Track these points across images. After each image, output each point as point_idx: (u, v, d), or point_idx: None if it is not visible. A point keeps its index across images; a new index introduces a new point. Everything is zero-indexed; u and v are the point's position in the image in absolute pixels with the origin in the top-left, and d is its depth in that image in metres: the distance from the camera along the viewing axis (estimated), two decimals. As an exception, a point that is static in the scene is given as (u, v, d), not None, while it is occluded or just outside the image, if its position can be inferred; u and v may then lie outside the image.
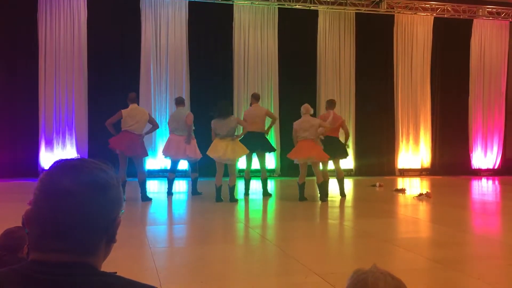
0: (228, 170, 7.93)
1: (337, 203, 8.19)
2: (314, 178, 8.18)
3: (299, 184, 8.17)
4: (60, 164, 1.02)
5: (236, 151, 7.82)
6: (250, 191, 8.74)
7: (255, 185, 9.04)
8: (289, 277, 3.84)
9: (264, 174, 8.66)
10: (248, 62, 12.53)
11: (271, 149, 8.89)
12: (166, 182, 8.69)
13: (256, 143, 8.43)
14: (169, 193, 8.57)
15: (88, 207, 0.98)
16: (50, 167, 1.02)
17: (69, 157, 1.08)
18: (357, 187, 10.94)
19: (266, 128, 8.76)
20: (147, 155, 8.28)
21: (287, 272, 3.99)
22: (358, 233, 5.74)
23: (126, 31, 11.69)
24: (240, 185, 8.89)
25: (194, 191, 8.67)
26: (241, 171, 10.14)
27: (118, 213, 1.05)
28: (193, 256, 4.54)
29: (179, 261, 4.34)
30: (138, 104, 8.83)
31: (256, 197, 8.57)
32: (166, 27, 11.99)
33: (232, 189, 7.91)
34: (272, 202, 8.25)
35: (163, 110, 11.96)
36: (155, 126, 8.24)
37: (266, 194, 8.64)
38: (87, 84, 11.50)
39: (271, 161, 12.52)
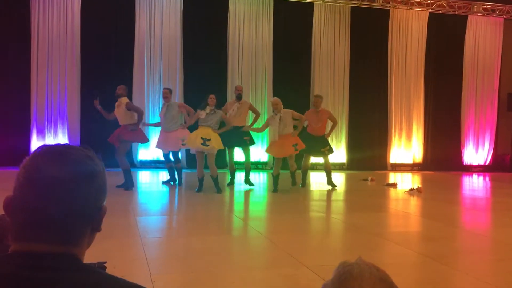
0: (208, 161, 7.87)
1: (328, 197, 8.23)
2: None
3: (275, 175, 8.32)
4: (45, 150, 0.97)
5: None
6: (235, 182, 8.93)
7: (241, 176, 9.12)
8: (279, 269, 3.85)
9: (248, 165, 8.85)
10: (242, 54, 12.49)
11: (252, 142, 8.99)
12: (176, 173, 8.79)
13: (237, 136, 8.59)
14: (180, 183, 8.70)
15: (76, 194, 0.95)
16: (34, 153, 0.97)
17: (53, 143, 1.03)
18: (349, 181, 10.99)
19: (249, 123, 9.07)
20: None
21: (277, 264, 4.01)
22: (348, 227, 5.77)
23: (120, 20, 11.59)
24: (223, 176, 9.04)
25: (179, 182, 8.78)
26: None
27: (103, 200, 1.02)
28: (183, 247, 4.55)
29: (169, 252, 4.34)
30: (132, 94, 9.05)
31: (244, 189, 8.61)
32: (160, 17, 11.91)
33: (216, 179, 7.87)
34: (263, 194, 8.27)
35: (156, 101, 11.90)
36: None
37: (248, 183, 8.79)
38: (80, 73, 11.41)
39: (264, 154, 12.54)
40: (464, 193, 9.93)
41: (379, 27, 13.45)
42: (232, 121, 8.31)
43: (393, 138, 13.72)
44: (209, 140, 7.61)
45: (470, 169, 14.19)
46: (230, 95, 12.27)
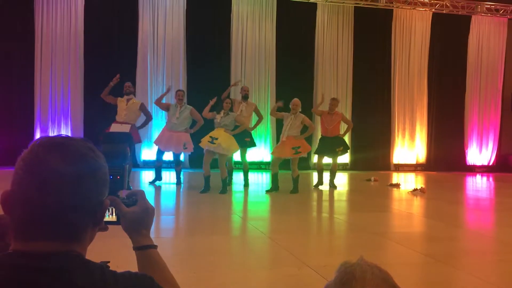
0: (218, 162, 7.95)
1: (331, 197, 8.22)
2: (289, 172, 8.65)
3: (273, 174, 8.44)
4: (44, 142, 0.92)
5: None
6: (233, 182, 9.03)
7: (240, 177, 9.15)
8: (282, 269, 3.85)
9: (246, 166, 8.97)
10: (245, 54, 12.49)
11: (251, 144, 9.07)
12: (176, 174, 8.87)
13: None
14: (179, 183, 8.75)
15: (78, 187, 0.90)
16: (33, 145, 0.92)
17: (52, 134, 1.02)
18: (352, 181, 10.97)
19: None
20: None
21: (280, 264, 4.00)
22: (351, 227, 5.76)
23: (124, 20, 11.62)
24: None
25: (179, 182, 8.84)
26: (237, 163, 10.23)
27: (105, 194, 0.98)
28: (184, 247, 4.54)
29: (169, 252, 4.34)
30: (135, 94, 9.20)
31: (244, 189, 8.62)
32: (163, 17, 11.92)
33: (225, 181, 7.96)
34: (264, 195, 8.26)
35: (159, 101, 11.91)
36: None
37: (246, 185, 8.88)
38: (83, 73, 11.45)
39: (267, 155, 12.53)
40: (467, 193, 9.90)
41: (383, 27, 13.43)
42: (244, 121, 8.43)
43: (396, 138, 13.70)
44: (216, 139, 7.75)
45: (474, 170, 14.15)
46: (233, 95, 12.25)
